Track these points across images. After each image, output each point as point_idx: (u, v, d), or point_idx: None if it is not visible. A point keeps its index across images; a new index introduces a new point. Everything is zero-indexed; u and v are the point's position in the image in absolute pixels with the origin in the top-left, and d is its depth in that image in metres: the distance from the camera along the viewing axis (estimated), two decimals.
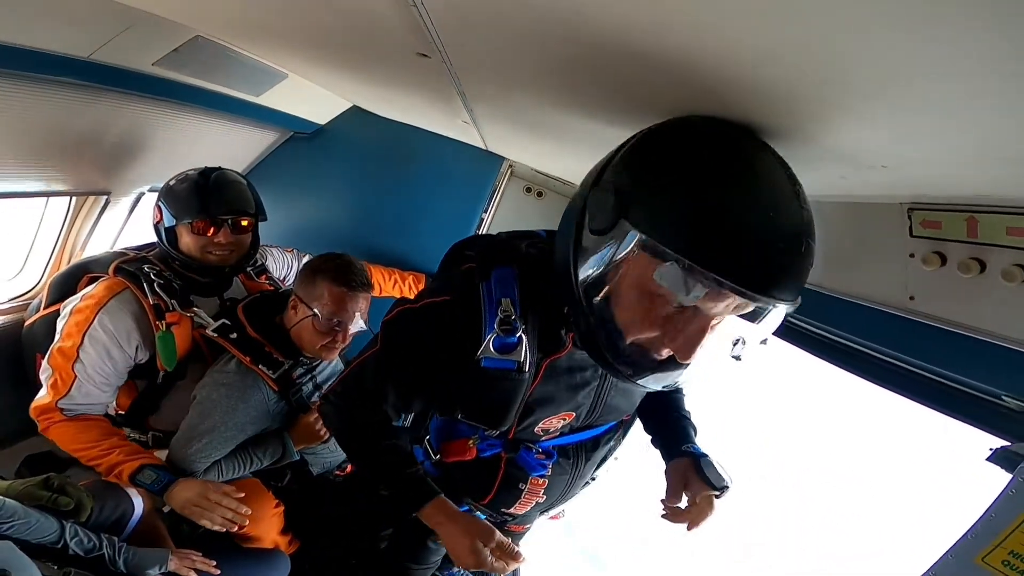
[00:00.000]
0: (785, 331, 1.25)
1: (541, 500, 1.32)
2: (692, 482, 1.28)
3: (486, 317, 1.05)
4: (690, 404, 1.50)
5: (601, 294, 0.90)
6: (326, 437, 1.93)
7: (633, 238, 0.83)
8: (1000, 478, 0.93)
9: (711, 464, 1.30)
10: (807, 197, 0.83)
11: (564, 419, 1.21)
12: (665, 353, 0.91)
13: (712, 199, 0.78)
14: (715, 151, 0.82)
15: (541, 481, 1.28)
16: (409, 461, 1.22)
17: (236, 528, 1.72)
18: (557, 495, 1.33)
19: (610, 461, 1.41)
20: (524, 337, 1.04)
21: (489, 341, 1.04)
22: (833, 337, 1.26)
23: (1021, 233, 0.79)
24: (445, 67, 1.16)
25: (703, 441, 1.39)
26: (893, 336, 1.08)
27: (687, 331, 0.86)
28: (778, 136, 0.84)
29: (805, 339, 1.41)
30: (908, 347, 1.05)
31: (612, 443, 1.37)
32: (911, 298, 1.00)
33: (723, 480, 1.27)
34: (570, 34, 0.74)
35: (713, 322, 0.87)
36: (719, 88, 0.73)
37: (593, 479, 1.42)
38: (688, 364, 0.90)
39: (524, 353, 1.05)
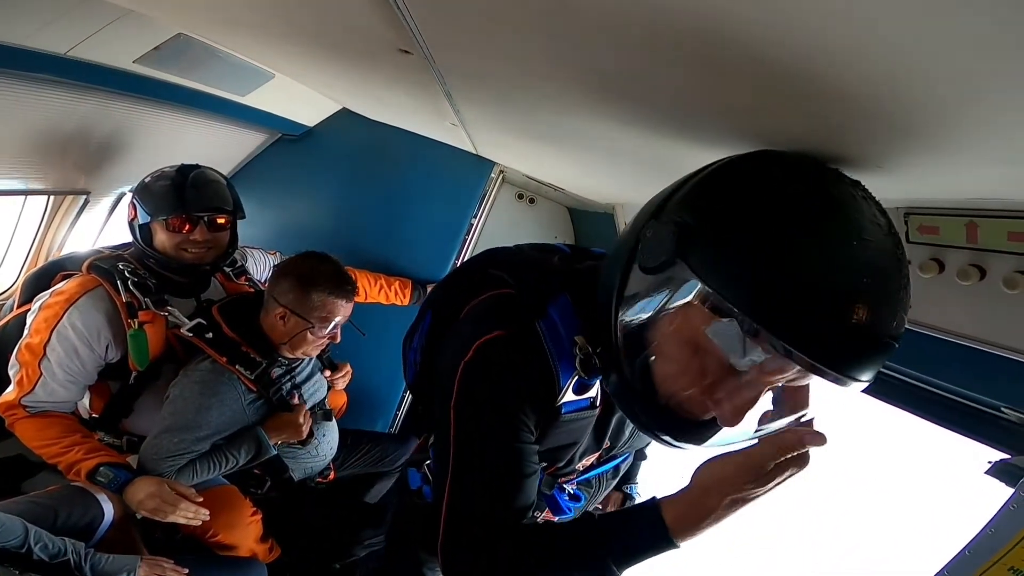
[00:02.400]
0: None
1: None
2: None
3: (554, 359, 0.90)
4: None
5: (643, 342, 0.78)
6: (305, 434, 1.89)
7: (690, 285, 0.69)
8: (1000, 492, 0.90)
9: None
10: None
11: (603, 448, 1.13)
12: (706, 415, 0.78)
13: (796, 248, 0.64)
14: (803, 189, 0.68)
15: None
16: (591, 520, 0.90)
17: (198, 524, 1.67)
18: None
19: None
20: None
21: (569, 385, 0.91)
22: None
23: (1023, 239, 0.76)
24: (428, 65, 1.12)
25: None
26: None
27: (736, 399, 0.73)
28: (762, 134, 0.80)
29: None
30: (904, 358, 1.02)
31: (626, 469, 1.34)
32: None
33: None
34: (571, 31, 0.68)
35: (767, 389, 0.73)
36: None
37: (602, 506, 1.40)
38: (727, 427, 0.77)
39: (597, 387, 0.95)
